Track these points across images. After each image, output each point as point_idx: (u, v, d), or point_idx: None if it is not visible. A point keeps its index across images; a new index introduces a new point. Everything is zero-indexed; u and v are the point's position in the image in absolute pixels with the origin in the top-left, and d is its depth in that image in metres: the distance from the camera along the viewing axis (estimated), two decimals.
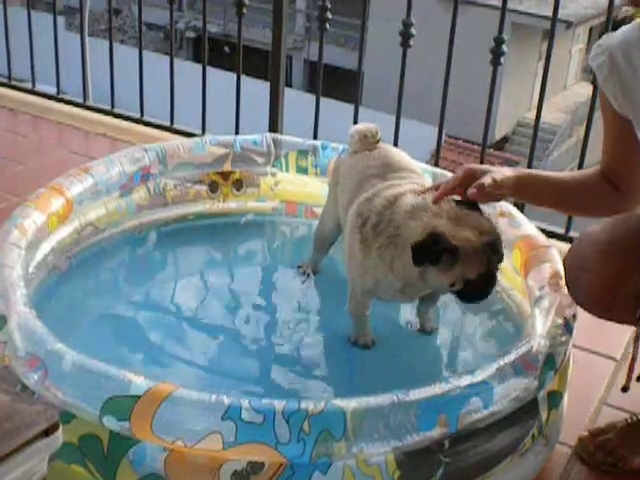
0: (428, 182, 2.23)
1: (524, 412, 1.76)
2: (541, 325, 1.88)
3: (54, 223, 2.27)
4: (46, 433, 1.24)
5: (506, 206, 2.40)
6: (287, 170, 2.74)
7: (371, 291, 2.09)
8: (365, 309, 2.14)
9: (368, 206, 2.05)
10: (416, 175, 2.20)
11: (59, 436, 1.26)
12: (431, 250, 1.86)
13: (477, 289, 1.91)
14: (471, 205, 1.92)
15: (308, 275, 2.46)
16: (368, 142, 2.30)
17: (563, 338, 1.86)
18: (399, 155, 2.27)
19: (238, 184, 2.73)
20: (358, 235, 2.04)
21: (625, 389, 1.98)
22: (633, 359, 1.97)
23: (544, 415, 1.82)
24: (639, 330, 1.94)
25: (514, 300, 2.26)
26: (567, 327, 1.89)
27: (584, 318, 2.02)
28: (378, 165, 2.20)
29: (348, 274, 2.14)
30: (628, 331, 1.91)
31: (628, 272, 1.76)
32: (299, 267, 2.48)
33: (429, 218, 1.89)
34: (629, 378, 1.98)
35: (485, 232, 1.90)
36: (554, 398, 1.86)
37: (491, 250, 1.89)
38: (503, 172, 1.96)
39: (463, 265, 1.86)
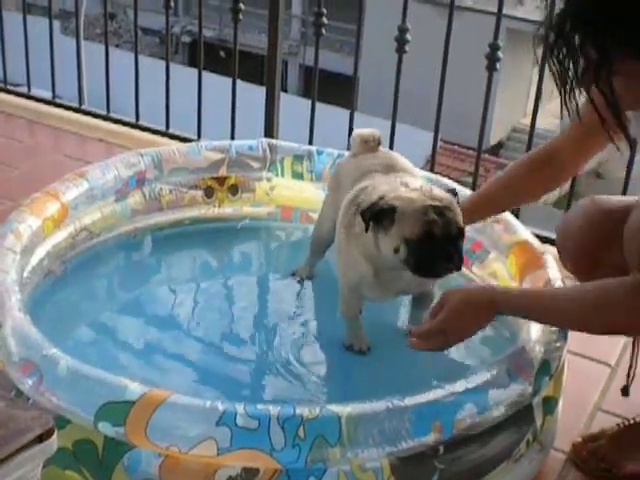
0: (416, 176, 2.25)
1: (519, 418, 1.76)
2: (536, 331, 1.88)
3: (49, 228, 2.27)
4: (40, 439, 1.23)
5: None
6: (282, 175, 2.74)
7: (357, 287, 2.09)
8: (356, 310, 2.14)
9: (354, 199, 2.05)
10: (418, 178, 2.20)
11: (54, 442, 1.26)
12: (371, 211, 1.86)
13: (423, 254, 1.83)
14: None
15: (302, 281, 2.46)
16: (369, 146, 2.33)
17: (558, 344, 1.86)
18: (402, 159, 2.30)
19: (234, 189, 2.73)
20: (344, 229, 2.05)
21: (625, 391, 2.03)
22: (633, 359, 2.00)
23: (539, 421, 1.82)
24: None
25: None
26: (562, 333, 1.89)
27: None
28: (382, 164, 2.22)
29: (338, 274, 2.15)
30: (622, 337, 1.92)
31: (610, 237, 1.77)
32: (293, 274, 2.48)
33: (389, 191, 1.92)
34: (629, 378, 2.03)
35: (435, 199, 1.87)
36: (549, 404, 1.87)
37: (435, 213, 1.84)
38: None
39: (400, 224, 1.85)
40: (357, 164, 2.29)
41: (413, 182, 2.00)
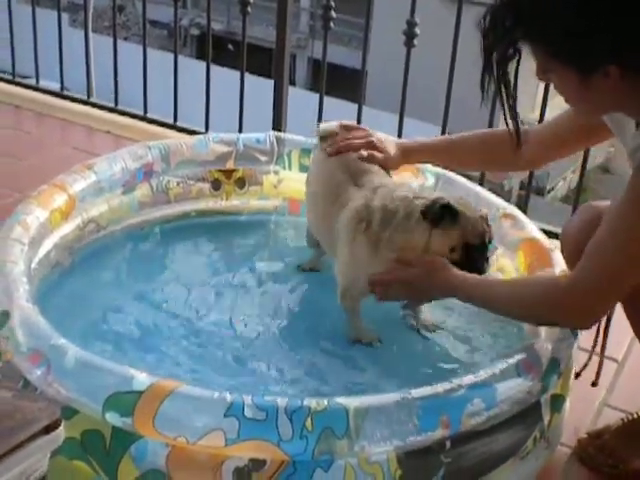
0: (391, 179, 2.29)
1: (526, 415, 1.76)
2: (545, 330, 1.88)
3: (57, 219, 2.27)
4: (47, 430, 1.24)
5: (510, 208, 2.40)
6: (290, 168, 2.74)
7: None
8: (359, 301, 2.17)
9: (367, 210, 2.09)
10: (381, 174, 2.24)
11: (60, 433, 1.26)
12: (435, 209, 2.00)
13: (474, 259, 2.02)
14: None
15: (306, 270, 2.48)
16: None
17: (567, 342, 1.86)
18: (354, 159, 2.26)
19: (241, 182, 2.73)
20: (363, 237, 2.08)
21: (595, 384, 2.14)
22: (603, 347, 2.11)
23: (546, 419, 1.82)
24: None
25: None
26: (572, 332, 1.89)
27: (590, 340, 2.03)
28: (345, 172, 2.23)
29: (343, 274, 2.15)
30: (630, 333, 1.92)
31: None
32: (299, 267, 2.50)
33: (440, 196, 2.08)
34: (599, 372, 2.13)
35: (477, 210, 2.07)
36: (557, 402, 1.86)
37: (486, 223, 2.05)
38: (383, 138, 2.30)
39: (463, 228, 2.01)
40: (340, 160, 2.28)
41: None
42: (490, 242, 2.08)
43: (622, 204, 1.65)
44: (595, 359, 2.10)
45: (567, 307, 1.73)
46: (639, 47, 1.56)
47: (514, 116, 1.80)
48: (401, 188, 2.14)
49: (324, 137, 2.35)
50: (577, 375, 2.05)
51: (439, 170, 2.59)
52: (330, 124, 2.39)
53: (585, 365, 2.07)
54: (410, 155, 2.32)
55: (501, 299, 1.89)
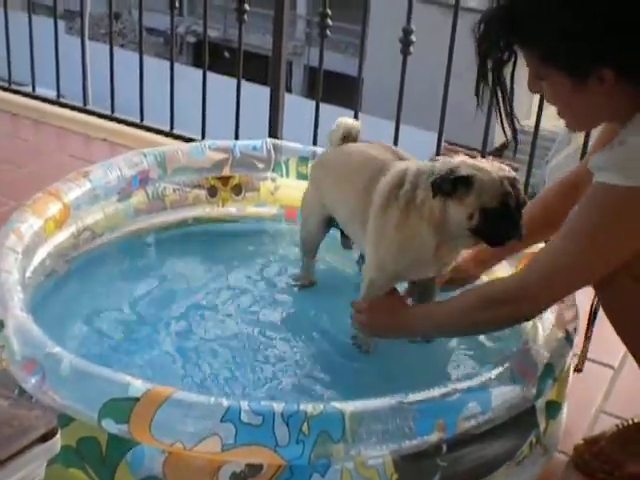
0: None
1: (522, 420, 1.76)
2: (542, 335, 1.89)
3: (51, 228, 2.27)
4: (44, 438, 1.23)
5: None
6: (287, 176, 2.74)
7: (402, 270, 2.09)
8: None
9: (404, 173, 2.05)
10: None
11: (57, 441, 1.25)
12: (446, 180, 1.91)
13: (498, 224, 1.90)
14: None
15: (303, 287, 2.45)
16: (349, 140, 2.35)
17: (563, 349, 1.87)
18: (398, 149, 2.28)
19: (237, 189, 2.73)
20: (395, 203, 2.03)
21: (579, 370, 2.18)
22: (587, 337, 2.18)
23: (542, 425, 1.82)
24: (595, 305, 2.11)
25: None
26: (568, 339, 1.90)
27: (583, 327, 2.04)
28: (389, 152, 2.21)
29: (373, 261, 2.11)
30: None
31: None
32: (294, 285, 2.47)
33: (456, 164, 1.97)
34: (583, 358, 2.20)
35: (503, 169, 1.94)
36: (553, 408, 1.86)
37: (509, 183, 1.91)
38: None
39: (478, 193, 1.89)
40: (347, 151, 2.28)
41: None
42: (520, 205, 1.92)
43: (580, 211, 1.70)
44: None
45: (516, 298, 1.77)
46: (634, 50, 1.57)
47: (511, 120, 1.81)
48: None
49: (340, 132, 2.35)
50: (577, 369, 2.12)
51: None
52: (348, 120, 2.39)
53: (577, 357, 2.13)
54: (486, 263, 2.27)
55: (452, 313, 1.91)
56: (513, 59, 1.72)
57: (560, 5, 1.60)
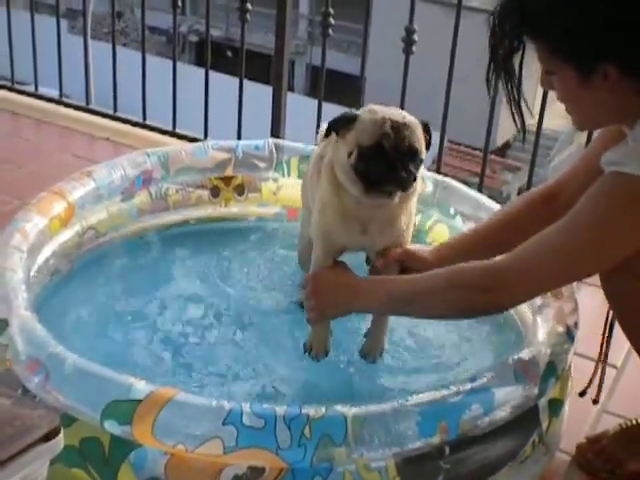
0: None
1: (525, 420, 1.76)
2: (543, 333, 1.88)
3: (56, 227, 2.28)
4: (47, 437, 1.24)
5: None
6: (289, 175, 2.74)
7: (328, 231, 2.00)
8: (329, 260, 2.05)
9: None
10: None
11: (60, 441, 1.26)
12: (336, 119, 1.90)
13: (372, 163, 1.82)
14: None
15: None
16: None
17: (565, 346, 1.86)
18: None
19: (240, 189, 2.73)
20: (320, 174, 2.01)
21: (596, 401, 2.09)
22: (604, 362, 2.07)
23: (545, 423, 1.82)
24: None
25: (516, 308, 2.26)
26: (569, 335, 1.89)
27: (585, 326, 2.03)
28: None
29: (311, 231, 2.08)
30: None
31: None
32: (296, 303, 2.33)
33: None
34: (600, 384, 2.07)
35: (397, 116, 1.87)
36: (555, 406, 1.86)
37: (391, 127, 1.83)
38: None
39: (358, 131, 1.85)
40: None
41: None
42: (401, 151, 1.82)
43: (586, 201, 1.66)
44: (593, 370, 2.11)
45: (496, 285, 1.71)
46: (636, 48, 1.58)
47: (519, 109, 1.79)
48: None
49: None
50: (582, 394, 2.06)
51: (437, 177, 2.60)
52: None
53: (590, 381, 2.05)
54: (446, 259, 2.06)
55: (417, 287, 1.82)
56: (522, 49, 1.72)
57: (566, 1, 1.61)
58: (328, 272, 2.00)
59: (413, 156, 1.85)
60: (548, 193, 2.04)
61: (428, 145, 1.92)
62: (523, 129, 1.82)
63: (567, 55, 1.64)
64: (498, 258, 1.78)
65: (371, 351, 2.10)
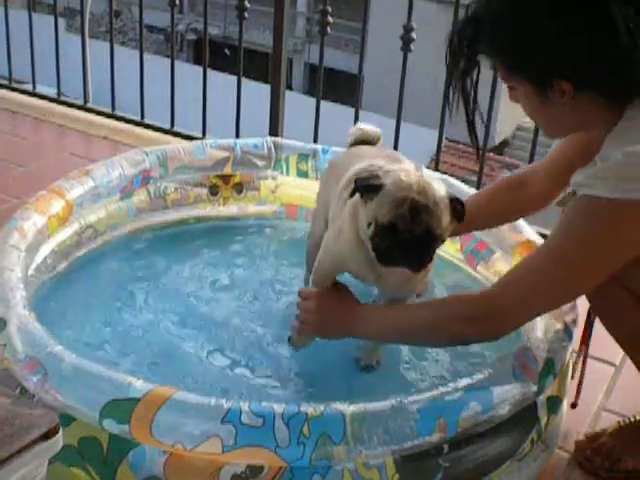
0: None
1: (523, 417, 1.76)
2: (541, 330, 1.88)
3: (54, 225, 2.28)
4: (46, 436, 1.24)
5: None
6: (288, 173, 2.75)
7: (342, 257, 1.98)
8: (327, 282, 2.04)
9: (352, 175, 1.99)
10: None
11: (59, 439, 1.26)
12: (362, 181, 1.84)
13: (386, 241, 1.79)
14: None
15: None
16: (365, 143, 2.31)
17: (563, 343, 1.87)
18: (402, 156, 2.19)
19: (239, 187, 2.74)
20: (338, 203, 2.00)
21: (574, 406, 2.13)
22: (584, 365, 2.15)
23: (543, 420, 1.82)
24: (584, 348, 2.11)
25: None
26: (567, 332, 1.90)
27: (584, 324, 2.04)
28: (386, 155, 2.14)
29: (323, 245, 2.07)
30: None
31: None
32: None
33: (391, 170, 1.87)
34: (578, 394, 2.14)
35: (422, 194, 1.78)
36: (553, 403, 1.87)
37: (410, 208, 1.76)
38: None
39: (378, 203, 1.79)
40: (358, 153, 2.23)
41: (420, 173, 1.92)
42: (416, 236, 1.77)
43: (557, 231, 1.69)
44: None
45: (486, 316, 1.73)
46: (585, 64, 1.60)
47: (473, 130, 1.84)
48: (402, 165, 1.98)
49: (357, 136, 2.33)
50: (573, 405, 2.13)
51: (436, 175, 2.60)
52: (366, 125, 2.37)
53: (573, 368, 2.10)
54: None
55: (408, 317, 1.87)
56: (477, 68, 1.77)
57: (515, 22, 1.64)
58: (332, 294, 1.99)
59: (429, 240, 1.80)
60: (521, 180, 2.12)
61: (461, 217, 1.85)
62: (478, 146, 1.91)
63: (521, 73, 1.68)
64: (487, 289, 1.82)
65: (369, 360, 2.12)
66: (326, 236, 2.07)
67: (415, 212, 1.76)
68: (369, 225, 1.81)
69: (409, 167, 1.96)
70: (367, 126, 2.37)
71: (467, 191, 2.53)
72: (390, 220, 1.77)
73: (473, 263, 2.48)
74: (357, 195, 1.86)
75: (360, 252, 1.91)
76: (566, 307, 1.95)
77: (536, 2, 1.62)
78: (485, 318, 1.73)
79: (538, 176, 2.08)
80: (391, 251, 1.79)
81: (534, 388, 1.75)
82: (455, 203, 1.83)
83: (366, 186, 1.82)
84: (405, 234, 1.76)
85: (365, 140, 2.32)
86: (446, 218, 1.81)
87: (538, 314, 1.82)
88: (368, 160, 2.06)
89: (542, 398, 1.81)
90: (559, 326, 1.89)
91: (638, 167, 1.56)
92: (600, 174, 1.61)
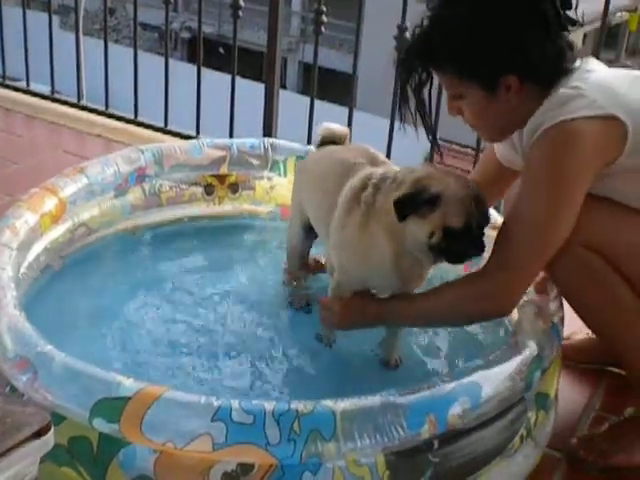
0: None
1: (512, 412, 1.77)
2: (528, 328, 1.89)
3: (47, 223, 2.27)
4: (38, 434, 1.24)
5: (494, 216, 2.42)
6: (285, 175, 2.74)
7: (365, 277, 2.05)
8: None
9: (366, 180, 2.02)
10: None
11: (51, 438, 1.26)
12: (412, 199, 1.85)
13: (459, 243, 1.86)
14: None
15: (308, 305, 2.37)
16: (334, 143, 2.32)
17: (550, 340, 1.88)
18: (375, 150, 2.23)
19: (234, 187, 2.73)
20: (358, 207, 2.00)
21: None
22: None
23: (532, 417, 1.83)
24: None
25: None
26: (554, 330, 1.91)
27: (575, 325, 2.04)
28: (364, 157, 2.15)
29: (338, 263, 2.10)
30: None
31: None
32: (291, 304, 2.38)
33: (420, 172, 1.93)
34: None
35: (469, 186, 1.89)
36: (542, 400, 1.88)
37: (475, 204, 1.86)
38: None
39: (443, 212, 1.84)
40: (326, 157, 2.24)
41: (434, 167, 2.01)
42: (483, 223, 1.89)
43: (522, 189, 1.83)
44: None
45: (492, 293, 1.85)
46: (529, 55, 1.78)
47: (434, 136, 2.06)
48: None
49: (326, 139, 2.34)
50: None
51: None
52: (334, 126, 2.38)
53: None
54: None
55: (427, 307, 1.96)
56: (429, 78, 1.92)
57: (458, 29, 1.81)
58: (354, 300, 2.07)
59: (487, 224, 1.92)
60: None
61: None
62: (439, 150, 2.14)
63: (471, 76, 1.83)
64: (488, 263, 1.88)
65: (391, 358, 2.14)
66: (338, 258, 2.09)
67: (480, 206, 1.88)
68: (430, 235, 1.85)
69: (407, 166, 2.05)
70: (335, 125, 2.39)
71: None
72: (464, 223, 1.85)
73: (465, 269, 2.48)
74: (382, 202, 1.94)
75: (399, 265, 1.97)
76: (554, 306, 1.96)
77: (482, 8, 1.78)
78: (499, 290, 1.84)
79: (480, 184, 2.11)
80: (465, 249, 1.89)
81: (522, 384, 1.75)
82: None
83: (421, 202, 1.84)
84: (477, 230, 1.88)
85: (333, 140, 2.33)
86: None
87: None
88: (360, 167, 2.10)
89: (531, 395, 1.82)
90: (547, 324, 1.90)
91: (570, 97, 1.75)
92: (539, 118, 1.78)
